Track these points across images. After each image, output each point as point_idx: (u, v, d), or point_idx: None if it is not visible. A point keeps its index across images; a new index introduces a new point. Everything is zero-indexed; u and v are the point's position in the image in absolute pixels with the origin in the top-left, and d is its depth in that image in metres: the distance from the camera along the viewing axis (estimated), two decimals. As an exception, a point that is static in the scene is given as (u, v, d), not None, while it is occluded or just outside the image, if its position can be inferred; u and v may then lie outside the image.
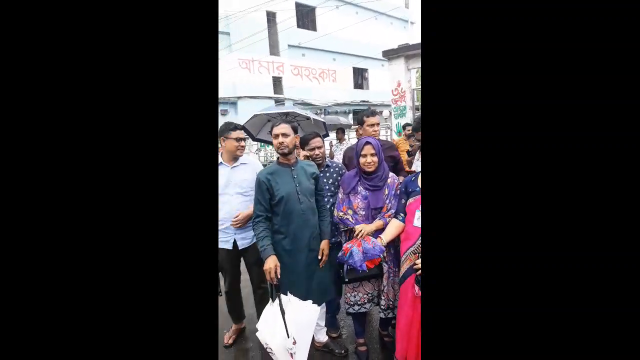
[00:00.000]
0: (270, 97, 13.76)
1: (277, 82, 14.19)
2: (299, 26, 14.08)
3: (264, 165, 2.24)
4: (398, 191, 1.70)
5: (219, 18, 11.35)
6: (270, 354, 1.53)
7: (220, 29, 11.72)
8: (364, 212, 1.72)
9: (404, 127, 4.66)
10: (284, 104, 14.56)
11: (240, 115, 13.27)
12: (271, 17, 13.33)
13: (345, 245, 1.63)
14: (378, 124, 2.05)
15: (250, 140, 3.70)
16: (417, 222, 1.49)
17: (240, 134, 1.94)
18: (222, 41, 12.07)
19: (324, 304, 1.86)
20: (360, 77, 16.94)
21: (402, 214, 1.60)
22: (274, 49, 13.81)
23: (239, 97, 12.76)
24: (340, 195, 1.81)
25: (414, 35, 17.16)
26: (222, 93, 12.21)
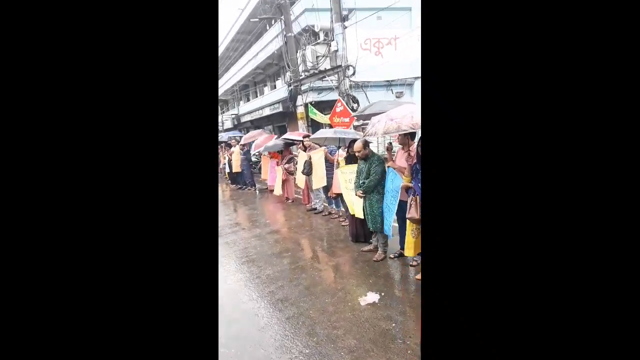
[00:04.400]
0: (449, 76, 12.34)
1: (459, 58, 12.54)
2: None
3: None
4: None
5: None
6: None
7: (402, 4, 11.06)
8: None
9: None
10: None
11: (416, 97, 12.52)
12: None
13: None
14: None
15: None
16: None
17: None
18: (403, 17, 11.40)
19: None
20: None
21: None
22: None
23: (416, 78, 11.91)
24: None
25: None
26: (398, 74, 11.68)
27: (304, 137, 5.80)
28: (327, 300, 2.73)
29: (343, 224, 4.86)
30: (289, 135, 6.98)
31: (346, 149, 4.50)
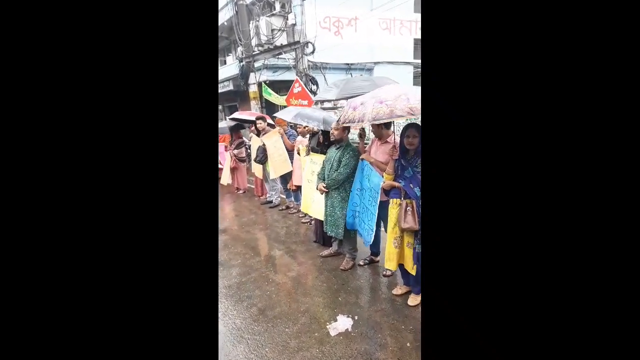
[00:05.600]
0: (409, 63, 12.14)
1: (418, 45, 12.38)
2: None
3: None
4: None
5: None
6: None
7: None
8: None
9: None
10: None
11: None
12: (419, -34, 11.37)
13: None
14: None
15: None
16: None
17: None
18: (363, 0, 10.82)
19: None
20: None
21: None
22: (419, 6, 11.92)
23: (376, 63, 11.50)
24: None
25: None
26: (358, 58, 11.17)
27: (257, 118, 4.97)
28: (288, 330, 2.15)
29: (303, 220, 4.27)
30: (238, 114, 6.03)
31: (309, 137, 3.86)
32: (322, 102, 4.41)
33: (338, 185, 2.83)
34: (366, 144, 2.93)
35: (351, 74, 11.26)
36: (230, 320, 2.29)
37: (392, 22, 11.67)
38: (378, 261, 3.02)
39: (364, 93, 2.76)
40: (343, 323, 2.19)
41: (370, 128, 2.74)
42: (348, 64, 11.01)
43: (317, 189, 2.97)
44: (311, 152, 3.65)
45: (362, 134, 2.86)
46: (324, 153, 3.30)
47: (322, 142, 3.50)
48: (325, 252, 3.23)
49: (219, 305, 2.48)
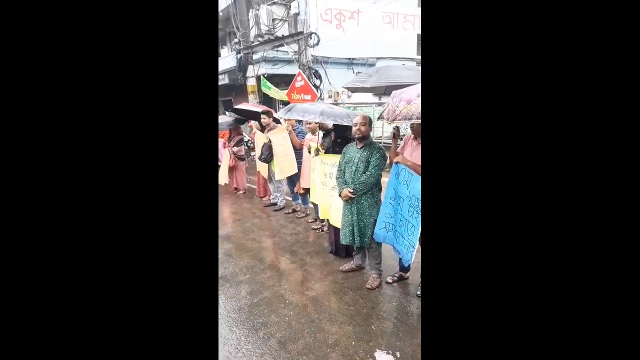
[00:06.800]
0: (411, 59, 11.79)
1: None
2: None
3: None
4: None
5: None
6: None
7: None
8: None
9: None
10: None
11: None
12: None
13: None
14: None
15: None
16: None
17: None
18: (367, -10, 10.39)
19: None
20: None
21: None
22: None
23: (378, 58, 11.12)
24: None
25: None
26: (361, 53, 10.76)
27: (263, 112, 4.51)
28: (319, 373, 1.76)
29: (313, 226, 3.88)
30: (243, 105, 5.54)
31: (323, 134, 3.46)
32: (355, 90, 3.96)
33: (367, 190, 2.45)
34: (399, 142, 2.54)
35: (353, 69, 10.86)
36: (244, 357, 1.89)
37: (395, 16, 11.28)
38: (408, 278, 2.66)
39: (407, 83, 2.37)
40: (384, 362, 1.81)
41: (409, 125, 2.35)
42: (350, 59, 10.60)
43: (340, 195, 2.57)
44: (320, 153, 3.25)
45: (396, 133, 2.47)
46: (337, 153, 2.91)
47: (335, 139, 3.11)
48: (346, 266, 2.85)
49: (230, 335, 2.07)
